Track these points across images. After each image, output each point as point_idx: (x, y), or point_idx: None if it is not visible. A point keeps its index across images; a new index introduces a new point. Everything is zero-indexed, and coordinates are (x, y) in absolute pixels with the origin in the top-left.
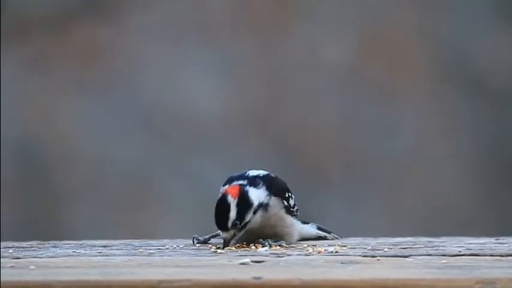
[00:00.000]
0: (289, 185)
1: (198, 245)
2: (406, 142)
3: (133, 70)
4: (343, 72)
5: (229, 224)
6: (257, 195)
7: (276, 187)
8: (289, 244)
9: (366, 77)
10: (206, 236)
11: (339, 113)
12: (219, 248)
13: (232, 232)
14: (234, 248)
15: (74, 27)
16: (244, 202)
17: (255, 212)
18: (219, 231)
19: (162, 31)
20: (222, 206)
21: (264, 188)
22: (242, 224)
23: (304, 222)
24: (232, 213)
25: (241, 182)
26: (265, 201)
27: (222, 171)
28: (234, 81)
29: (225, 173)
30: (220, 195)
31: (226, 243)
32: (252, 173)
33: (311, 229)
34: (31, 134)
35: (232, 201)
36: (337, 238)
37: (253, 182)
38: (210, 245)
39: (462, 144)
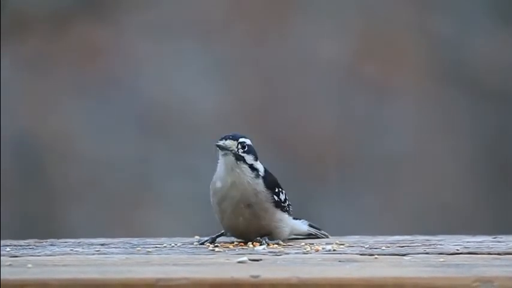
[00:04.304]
0: (286, 184)
1: (207, 244)
2: (404, 141)
3: (131, 69)
4: (341, 71)
5: (241, 139)
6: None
7: (266, 179)
8: (278, 239)
9: (364, 76)
10: (213, 236)
11: (337, 112)
12: (216, 246)
13: (235, 147)
14: (231, 247)
15: (73, 27)
16: (252, 148)
17: (251, 165)
18: (221, 143)
19: (160, 31)
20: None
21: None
22: (243, 153)
23: (295, 219)
24: (247, 140)
25: None
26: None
27: None
28: (232, 80)
29: None
30: None
31: (223, 147)
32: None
33: (302, 225)
34: (30, 133)
35: (247, 140)
36: (326, 236)
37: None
38: (207, 244)
39: (461, 143)
